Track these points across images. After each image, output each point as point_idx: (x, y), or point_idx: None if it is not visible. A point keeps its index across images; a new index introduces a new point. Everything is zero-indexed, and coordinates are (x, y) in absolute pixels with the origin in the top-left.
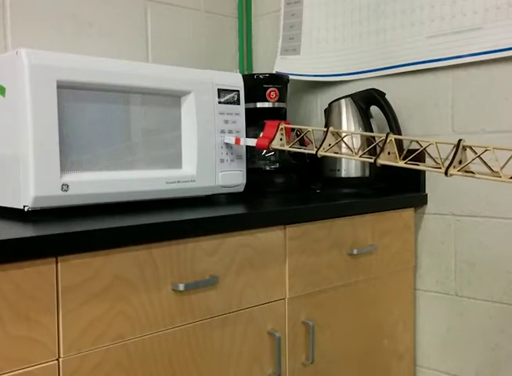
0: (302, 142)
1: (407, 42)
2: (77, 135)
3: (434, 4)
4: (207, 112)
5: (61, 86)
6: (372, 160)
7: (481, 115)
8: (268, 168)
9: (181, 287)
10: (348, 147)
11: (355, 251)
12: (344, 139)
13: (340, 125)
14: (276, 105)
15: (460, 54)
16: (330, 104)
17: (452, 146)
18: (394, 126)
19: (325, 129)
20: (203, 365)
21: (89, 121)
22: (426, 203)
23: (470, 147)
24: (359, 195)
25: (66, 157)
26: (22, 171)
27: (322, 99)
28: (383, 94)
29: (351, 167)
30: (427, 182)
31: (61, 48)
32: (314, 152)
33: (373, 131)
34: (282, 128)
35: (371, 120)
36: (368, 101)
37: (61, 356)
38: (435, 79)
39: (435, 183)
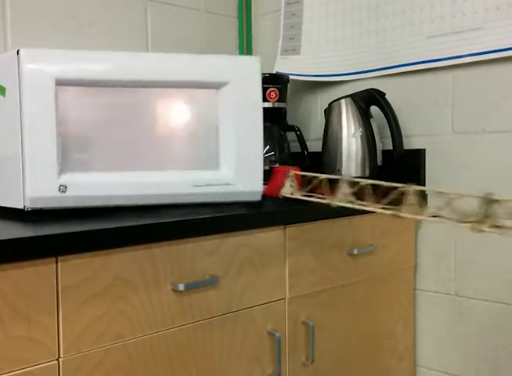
0: (313, 189)
1: (407, 42)
2: (79, 134)
3: (434, 4)
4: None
5: (60, 84)
6: (393, 214)
7: (481, 115)
8: (268, 168)
9: (181, 287)
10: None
11: (355, 251)
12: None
13: (340, 125)
14: (276, 105)
15: (460, 54)
16: (330, 104)
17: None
18: (394, 126)
19: (339, 177)
20: (203, 365)
21: (91, 120)
22: (426, 203)
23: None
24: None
25: (66, 156)
26: (22, 172)
27: (322, 99)
28: (383, 94)
29: (351, 167)
30: (427, 182)
31: (61, 48)
32: (328, 201)
33: (373, 132)
34: (291, 175)
35: (371, 120)
36: (368, 101)
37: (61, 356)
38: (435, 79)
39: (435, 183)
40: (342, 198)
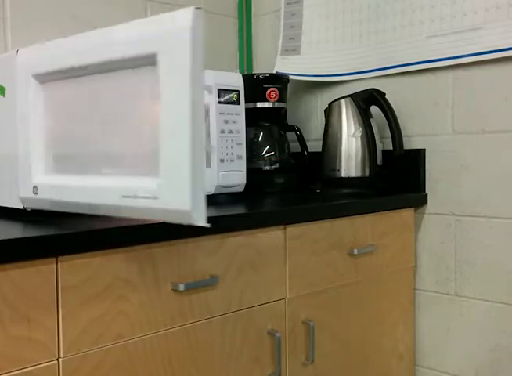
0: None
1: (407, 42)
2: (48, 133)
3: (434, 4)
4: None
5: (38, 80)
6: None
7: (481, 115)
8: (268, 168)
9: (181, 287)
10: None
11: (355, 251)
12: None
13: (340, 125)
14: (276, 105)
15: (460, 54)
16: (330, 104)
17: None
18: (394, 126)
19: None
20: (203, 365)
21: (68, 115)
22: (426, 203)
23: None
24: (359, 195)
25: (39, 157)
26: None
27: (322, 99)
28: (383, 94)
29: (351, 167)
30: (427, 182)
31: None
32: None
33: (373, 132)
34: None
35: (371, 120)
36: (368, 101)
37: (61, 356)
38: (435, 79)
39: (435, 183)
40: None
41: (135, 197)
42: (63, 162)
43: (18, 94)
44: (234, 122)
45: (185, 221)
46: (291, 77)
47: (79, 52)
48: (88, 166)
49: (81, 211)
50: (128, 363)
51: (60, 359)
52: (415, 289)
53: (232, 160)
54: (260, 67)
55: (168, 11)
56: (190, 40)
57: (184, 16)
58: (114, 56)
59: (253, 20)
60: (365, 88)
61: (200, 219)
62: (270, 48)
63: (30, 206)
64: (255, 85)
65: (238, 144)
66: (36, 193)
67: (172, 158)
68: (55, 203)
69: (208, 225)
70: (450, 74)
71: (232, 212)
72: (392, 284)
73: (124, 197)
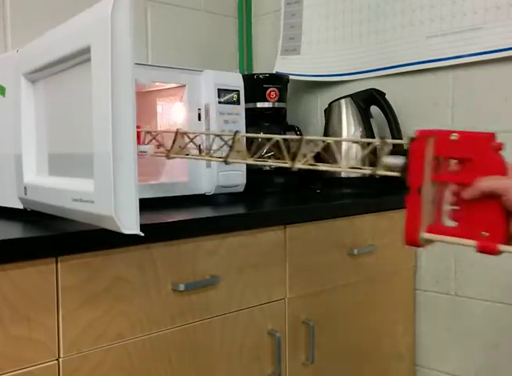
0: None
1: (407, 42)
2: (45, 133)
3: (434, 4)
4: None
5: (30, 79)
6: (221, 160)
7: (481, 115)
8: (267, 168)
9: (181, 287)
10: (199, 149)
11: (355, 251)
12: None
13: (340, 125)
14: (276, 105)
15: (460, 54)
16: (330, 104)
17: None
18: (394, 126)
19: (174, 131)
20: (203, 365)
21: (49, 116)
22: None
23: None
24: (359, 195)
25: (35, 157)
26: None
27: (322, 99)
28: (383, 94)
29: None
30: None
31: None
32: (164, 155)
33: (373, 132)
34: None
35: (371, 120)
36: (368, 101)
37: (61, 356)
38: (435, 79)
39: None
40: (177, 151)
41: (81, 200)
42: (51, 163)
43: (11, 94)
44: (234, 122)
45: (115, 228)
46: (291, 77)
47: (42, 52)
48: (62, 167)
49: (50, 213)
50: (127, 363)
51: (60, 359)
52: (415, 289)
53: None
54: (260, 67)
55: (168, 11)
56: (110, 30)
57: (107, 4)
58: (59, 53)
59: (253, 20)
60: (365, 88)
61: (130, 227)
62: (270, 48)
63: (26, 206)
64: (255, 85)
65: None
66: (26, 194)
67: (101, 160)
68: (36, 204)
69: (141, 234)
70: (450, 74)
71: (232, 212)
72: (392, 284)
73: (73, 200)
